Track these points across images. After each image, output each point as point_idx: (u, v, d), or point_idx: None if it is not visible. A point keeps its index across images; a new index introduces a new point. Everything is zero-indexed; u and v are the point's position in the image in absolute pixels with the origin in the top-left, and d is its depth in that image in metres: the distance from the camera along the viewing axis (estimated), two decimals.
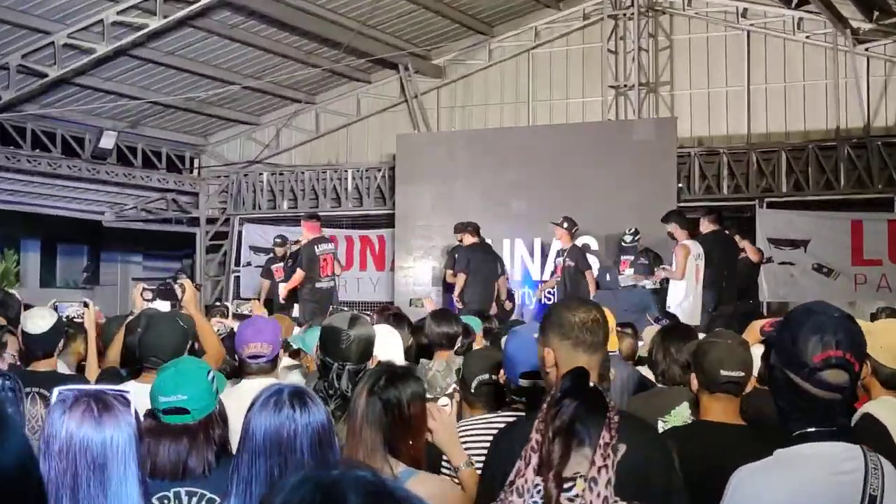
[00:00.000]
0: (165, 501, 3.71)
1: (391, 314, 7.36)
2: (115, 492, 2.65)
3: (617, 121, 18.43)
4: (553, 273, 15.07)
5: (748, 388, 4.25)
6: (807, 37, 18.24)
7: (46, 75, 16.66)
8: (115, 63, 17.70)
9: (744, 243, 14.42)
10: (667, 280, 13.20)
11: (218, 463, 3.74)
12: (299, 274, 14.49)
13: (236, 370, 6.61)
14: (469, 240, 14.88)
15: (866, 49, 17.77)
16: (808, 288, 16.65)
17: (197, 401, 3.83)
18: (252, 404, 3.10)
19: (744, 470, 2.90)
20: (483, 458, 3.64)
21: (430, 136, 19.95)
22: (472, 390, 4.70)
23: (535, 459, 2.62)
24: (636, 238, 14.54)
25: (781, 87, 18.47)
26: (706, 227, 13.50)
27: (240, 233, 21.07)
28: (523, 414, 3.83)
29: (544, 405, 2.68)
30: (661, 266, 13.61)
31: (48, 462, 2.64)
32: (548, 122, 19.69)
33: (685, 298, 12.66)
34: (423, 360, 6.60)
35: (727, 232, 14.04)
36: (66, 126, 19.24)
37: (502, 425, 3.78)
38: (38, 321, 6.42)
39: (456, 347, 6.75)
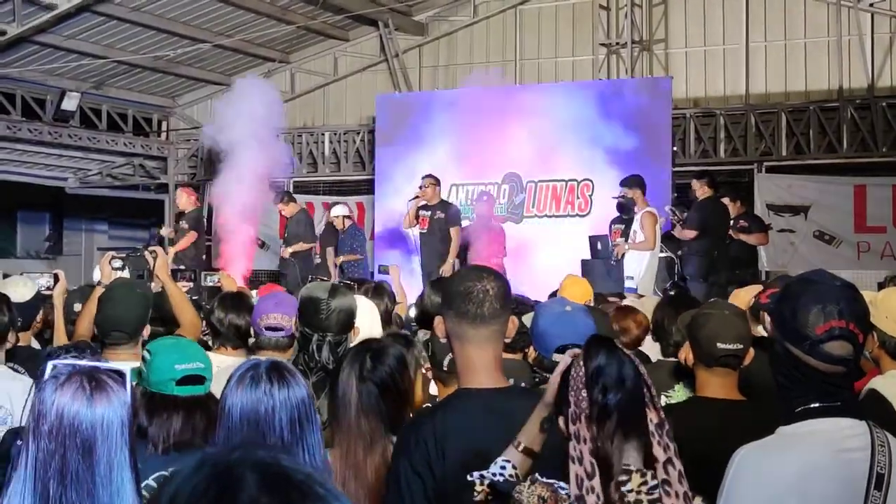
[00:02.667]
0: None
1: (370, 287, 7.38)
2: (104, 475, 2.62)
3: (609, 80, 18.41)
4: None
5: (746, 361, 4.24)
6: None
7: (5, 33, 16.48)
8: (77, 20, 17.52)
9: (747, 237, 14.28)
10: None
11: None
12: (192, 236, 15.14)
13: (204, 346, 6.64)
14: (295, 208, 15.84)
15: (871, 4, 17.76)
16: (809, 256, 16.69)
17: (208, 370, 3.87)
18: (229, 380, 3.10)
19: (746, 448, 2.91)
20: None
21: (411, 96, 19.89)
22: (445, 368, 4.67)
23: (596, 468, 2.62)
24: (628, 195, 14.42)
25: (782, 44, 18.42)
26: (703, 191, 13.47)
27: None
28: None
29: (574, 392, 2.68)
30: (620, 242, 13.40)
31: (37, 442, 2.62)
32: (536, 81, 19.64)
33: (647, 270, 12.57)
34: (420, 332, 6.62)
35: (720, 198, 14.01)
36: (27, 87, 19.09)
37: None
38: (20, 289, 6.38)
39: None
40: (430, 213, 14.02)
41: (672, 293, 7.47)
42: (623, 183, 13.41)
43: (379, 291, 7.06)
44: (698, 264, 13.08)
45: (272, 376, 2.98)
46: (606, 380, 2.63)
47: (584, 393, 2.65)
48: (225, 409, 2.99)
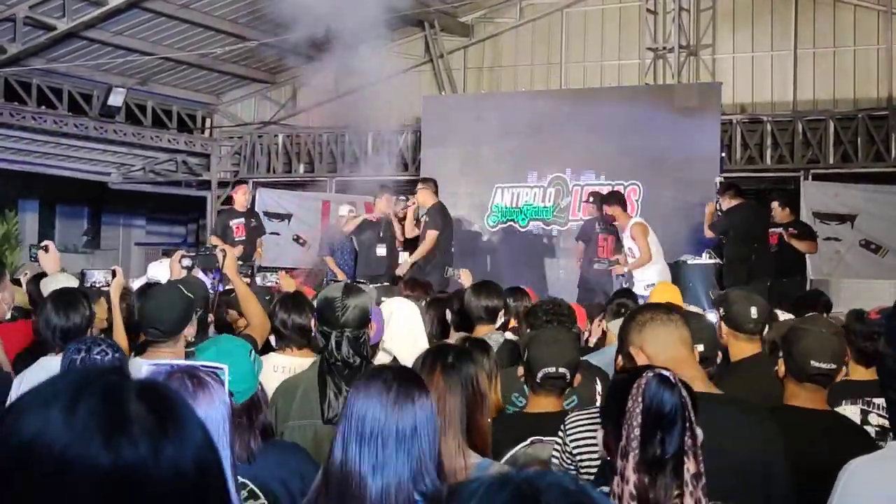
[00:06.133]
0: None
1: (431, 299, 7.46)
2: None
3: (656, 85, 18.40)
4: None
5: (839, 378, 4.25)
6: None
7: (55, 28, 16.67)
8: (126, 16, 17.68)
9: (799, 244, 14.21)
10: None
11: (260, 449, 3.72)
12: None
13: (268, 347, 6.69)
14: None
15: None
16: (855, 266, 16.63)
17: (239, 383, 3.73)
18: (353, 385, 3.12)
19: (856, 462, 2.91)
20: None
21: (457, 98, 19.94)
22: (538, 380, 4.75)
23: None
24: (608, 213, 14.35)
25: (830, 51, 18.40)
26: (728, 202, 13.47)
27: (253, 197, 20.98)
28: None
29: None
30: (616, 260, 13.30)
31: None
32: (581, 85, 19.66)
33: (659, 276, 12.41)
34: (460, 335, 6.70)
35: (762, 203, 13.94)
36: (74, 82, 19.28)
37: None
38: (59, 286, 6.44)
39: (499, 323, 6.85)
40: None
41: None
42: (603, 200, 13.34)
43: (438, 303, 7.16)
44: (736, 272, 13.07)
45: (395, 380, 2.97)
46: (664, 431, 2.68)
47: (637, 431, 2.68)
48: (346, 406, 3.00)
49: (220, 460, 1.58)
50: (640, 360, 3.73)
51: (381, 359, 5.08)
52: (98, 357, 4.48)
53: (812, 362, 4.15)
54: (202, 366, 2.95)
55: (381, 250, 14.40)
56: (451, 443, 3.54)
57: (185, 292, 5.55)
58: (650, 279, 12.07)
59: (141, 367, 2.93)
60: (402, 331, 5.47)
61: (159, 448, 1.43)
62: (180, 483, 1.44)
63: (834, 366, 4.17)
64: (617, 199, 13.12)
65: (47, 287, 6.66)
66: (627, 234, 12.76)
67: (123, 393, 1.45)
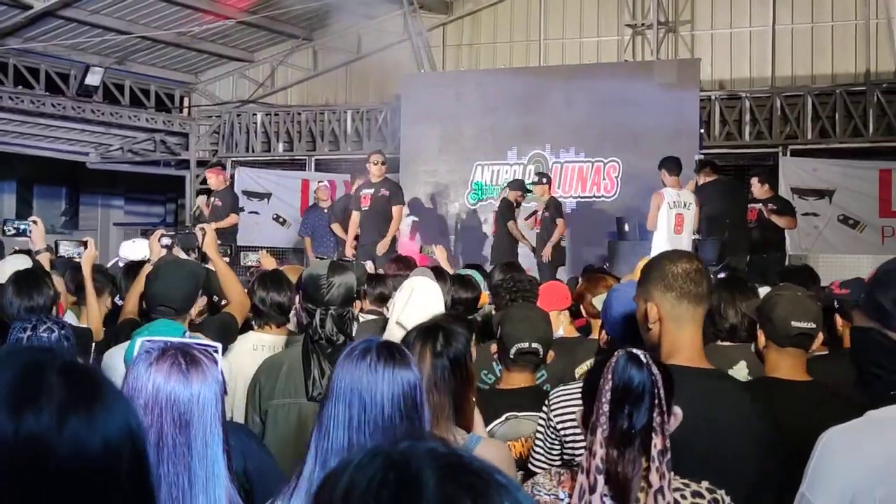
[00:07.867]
0: None
1: (431, 268, 7.42)
2: (200, 451, 2.65)
3: (635, 62, 18.41)
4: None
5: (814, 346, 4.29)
6: None
7: (31, 7, 16.57)
8: None
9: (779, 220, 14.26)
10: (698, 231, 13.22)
11: None
12: (234, 217, 15.39)
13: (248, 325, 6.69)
14: None
15: None
16: (833, 240, 16.73)
17: None
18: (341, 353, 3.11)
19: (834, 431, 2.85)
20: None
21: (437, 75, 19.85)
22: (511, 356, 4.80)
23: (600, 484, 2.70)
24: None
25: (808, 27, 18.42)
26: (702, 178, 13.55)
27: (232, 176, 20.94)
28: None
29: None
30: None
31: None
32: (560, 62, 19.64)
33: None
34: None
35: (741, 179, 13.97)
36: (51, 62, 19.16)
37: None
38: (9, 271, 6.32)
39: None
40: (373, 190, 14.08)
41: (724, 276, 7.46)
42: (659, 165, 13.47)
43: (439, 274, 7.13)
44: (710, 249, 13.12)
45: (381, 354, 2.96)
46: (632, 406, 2.71)
47: (605, 407, 2.71)
48: (332, 380, 2.98)
49: (140, 446, 1.58)
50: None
51: (393, 333, 5.05)
52: (45, 335, 4.46)
53: (793, 323, 4.16)
54: (196, 343, 2.93)
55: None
56: (442, 431, 3.53)
57: (194, 270, 5.54)
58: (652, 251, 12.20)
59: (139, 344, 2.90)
60: (424, 308, 5.39)
61: (63, 422, 1.46)
62: (86, 460, 1.47)
63: (814, 325, 4.19)
64: (664, 162, 13.07)
65: (2, 270, 6.52)
66: None
67: (42, 369, 1.49)
